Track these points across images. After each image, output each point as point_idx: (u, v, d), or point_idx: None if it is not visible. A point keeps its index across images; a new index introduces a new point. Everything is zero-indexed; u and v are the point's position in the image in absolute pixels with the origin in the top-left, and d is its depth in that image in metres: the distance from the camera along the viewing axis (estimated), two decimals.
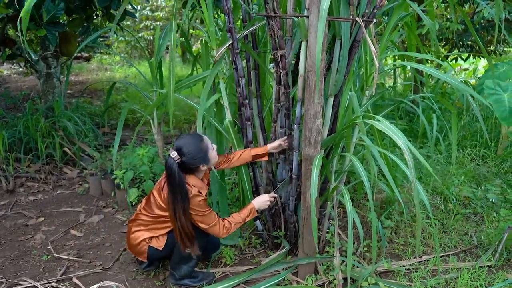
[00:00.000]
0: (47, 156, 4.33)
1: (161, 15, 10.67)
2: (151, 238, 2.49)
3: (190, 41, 3.76)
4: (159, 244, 2.49)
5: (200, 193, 2.37)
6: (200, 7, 2.61)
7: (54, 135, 4.28)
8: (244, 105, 2.67)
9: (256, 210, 2.58)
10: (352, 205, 2.38)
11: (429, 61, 6.41)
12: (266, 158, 2.72)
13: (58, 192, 3.94)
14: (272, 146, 2.67)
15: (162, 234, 2.49)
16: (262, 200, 2.60)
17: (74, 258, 2.89)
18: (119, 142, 4.96)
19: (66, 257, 2.90)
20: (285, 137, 2.64)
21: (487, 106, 4.94)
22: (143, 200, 2.57)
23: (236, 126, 3.06)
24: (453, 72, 5.06)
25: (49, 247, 3.02)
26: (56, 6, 3.70)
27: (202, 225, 2.40)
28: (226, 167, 2.72)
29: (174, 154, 2.28)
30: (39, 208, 3.63)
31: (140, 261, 2.64)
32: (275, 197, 2.69)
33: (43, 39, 4.69)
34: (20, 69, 9.00)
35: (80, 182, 4.13)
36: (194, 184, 2.37)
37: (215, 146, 2.48)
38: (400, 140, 1.97)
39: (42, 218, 3.45)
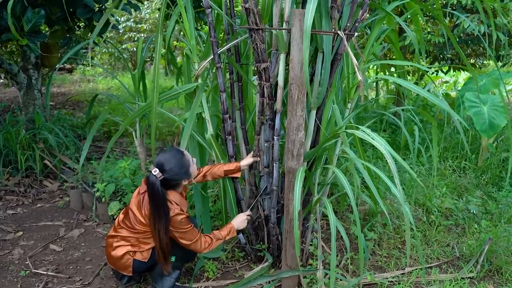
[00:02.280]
0: (27, 168, 4.25)
1: (145, 27, 10.64)
2: (135, 252, 2.45)
3: (174, 53, 3.75)
4: (144, 256, 2.47)
5: (182, 211, 2.36)
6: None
7: (35, 147, 4.21)
8: (224, 120, 2.67)
9: (236, 230, 2.59)
10: (336, 217, 2.38)
11: (410, 73, 6.51)
12: (238, 175, 2.71)
13: (37, 205, 3.87)
14: (245, 163, 2.67)
15: (147, 249, 2.47)
16: (240, 220, 2.62)
17: (53, 274, 2.83)
18: (101, 154, 4.93)
19: (45, 272, 2.84)
20: (256, 153, 2.65)
21: (468, 117, 5.02)
22: (121, 214, 2.54)
23: (219, 139, 3.06)
24: (433, 85, 5.13)
25: (27, 263, 2.95)
26: (36, 14, 3.65)
27: (184, 242, 2.39)
28: (198, 181, 2.68)
29: (156, 171, 2.25)
30: (18, 222, 3.55)
31: (120, 277, 2.59)
32: (250, 215, 2.70)
33: (24, 51, 4.63)
34: (1, 81, 8.87)
35: (60, 195, 4.06)
36: (176, 200, 2.36)
37: (195, 160, 2.47)
38: (382, 146, 1.99)
39: (21, 233, 3.37)
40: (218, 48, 2.54)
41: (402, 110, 3.52)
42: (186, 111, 3.03)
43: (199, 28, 4.33)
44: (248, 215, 2.66)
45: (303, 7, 2.23)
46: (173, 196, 2.36)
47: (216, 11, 2.76)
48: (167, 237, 2.31)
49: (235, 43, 2.60)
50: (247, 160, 2.67)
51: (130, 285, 2.65)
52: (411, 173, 2.06)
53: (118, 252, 2.45)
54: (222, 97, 2.63)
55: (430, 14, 5.37)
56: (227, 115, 2.67)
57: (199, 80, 2.70)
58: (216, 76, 2.68)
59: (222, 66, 2.59)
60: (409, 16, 3.16)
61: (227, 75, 2.80)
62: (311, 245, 2.74)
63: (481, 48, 5.72)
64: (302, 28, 1.96)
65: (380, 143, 2.03)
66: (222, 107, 2.64)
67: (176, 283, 2.57)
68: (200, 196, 2.97)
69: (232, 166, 2.66)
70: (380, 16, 2.62)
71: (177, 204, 2.34)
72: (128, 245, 2.46)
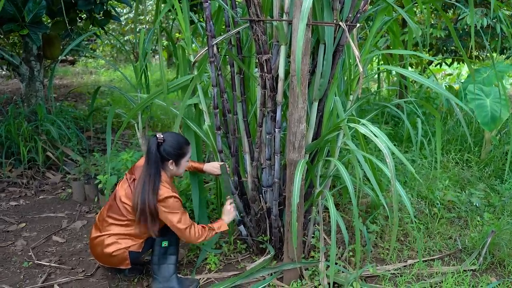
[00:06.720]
0: (30, 160, 4.26)
1: (147, 19, 10.61)
2: (129, 246, 2.45)
3: (176, 45, 3.72)
4: (139, 247, 2.47)
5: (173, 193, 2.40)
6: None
7: (37, 139, 4.21)
8: (215, 115, 2.66)
9: (227, 223, 2.64)
10: (338, 209, 2.38)
11: (413, 66, 6.47)
12: (203, 172, 2.86)
13: (40, 197, 3.88)
14: (209, 165, 2.80)
15: (141, 241, 2.47)
16: (226, 211, 2.67)
17: (56, 265, 2.84)
18: (103, 146, 4.94)
19: (48, 263, 2.85)
20: (223, 163, 2.75)
21: (470, 110, 5.00)
22: (104, 210, 2.53)
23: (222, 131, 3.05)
24: (434, 78, 5.09)
25: (30, 254, 2.97)
26: (38, 4, 3.64)
27: (178, 225, 2.40)
28: None
29: (160, 136, 2.39)
30: (21, 213, 3.57)
31: (121, 270, 2.59)
32: (232, 201, 2.74)
33: (26, 42, 4.62)
34: (3, 72, 8.87)
35: (63, 187, 4.07)
36: (167, 182, 2.41)
37: (189, 162, 2.62)
38: (383, 144, 1.98)
39: (24, 224, 3.38)
40: (212, 42, 2.52)
41: (405, 102, 3.50)
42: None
43: (201, 20, 4.31)
44: (230, 203, 2.70)
45: None
46: (164, 177, 2.41)
47: (217, 3, 2.74)
48: (154, 197, 2.32)
49: (231, 34, 2.57)
50: (211, 165, 2.80)
51: (132, 276, 2.66)
52: (409, 168, 2.06)
53: (111, 249, 2.43)
54: (214, 92, 2.62)
55: (433, 6, 5.33)
56: (217, 110, 2.66)
57: (195, 71, 2.69)
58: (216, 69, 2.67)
59: (215, 61, 2.56)
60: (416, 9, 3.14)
61: (228, 67, 2.78)
62: (313, 237, 2.74)
63: (484, 41, 5.69)
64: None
65: (380, 137, 2.02)
66: (213, 101, 2.63)
67: (179, 275, 2.58)
68: (197, 187, 2.96)
69: (196, 165, 2.82)
70: (382, 6, 2.59)
71: (167, 184, 2.39)
72: (123, 239, 2.44)
